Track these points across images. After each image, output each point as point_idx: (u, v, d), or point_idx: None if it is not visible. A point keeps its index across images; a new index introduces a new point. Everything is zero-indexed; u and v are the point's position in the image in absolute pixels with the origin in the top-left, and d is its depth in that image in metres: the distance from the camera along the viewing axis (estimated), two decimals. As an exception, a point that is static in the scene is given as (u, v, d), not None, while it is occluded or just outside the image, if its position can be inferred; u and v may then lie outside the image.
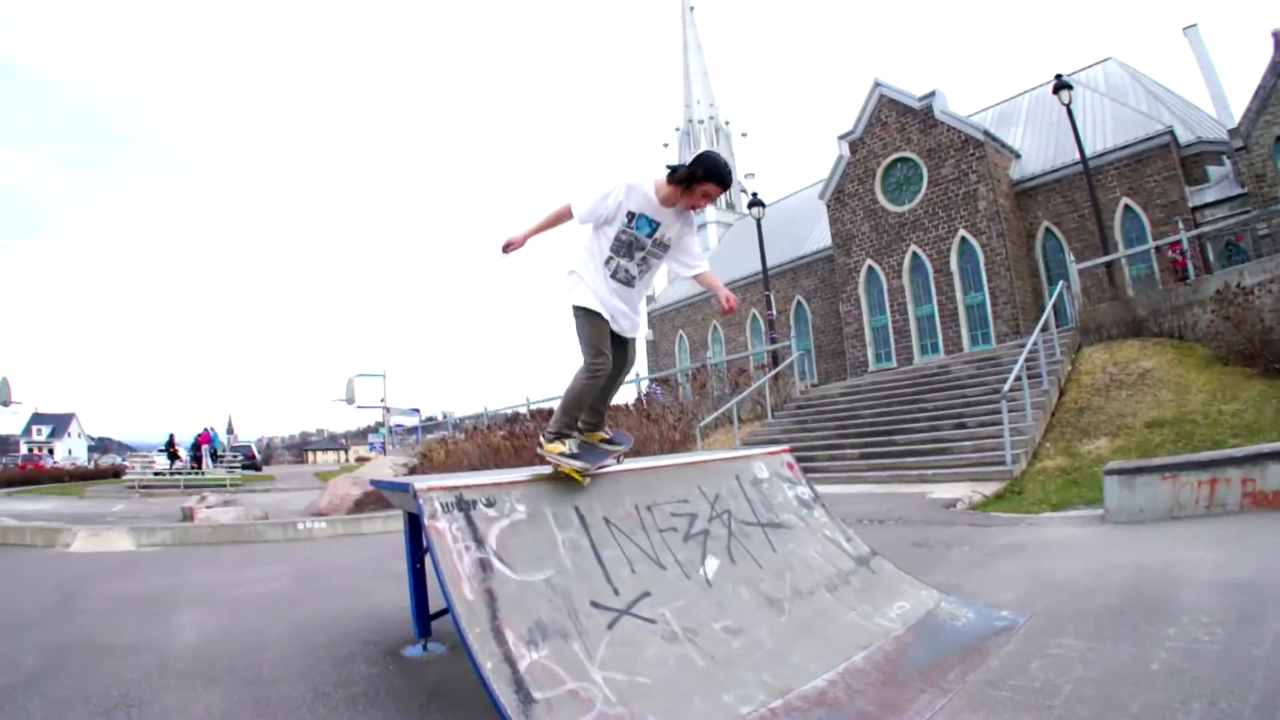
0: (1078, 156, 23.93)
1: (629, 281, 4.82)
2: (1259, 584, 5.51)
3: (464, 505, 4.16)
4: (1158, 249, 23.68)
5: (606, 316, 4.77)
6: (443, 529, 3.97)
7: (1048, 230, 31.34)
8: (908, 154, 34.48)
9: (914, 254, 34.12)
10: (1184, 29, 34.07)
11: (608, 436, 5.27)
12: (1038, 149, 33.33)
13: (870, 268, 35.86)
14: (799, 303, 41.73)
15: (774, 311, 29.15)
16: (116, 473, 44.53)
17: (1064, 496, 10.66)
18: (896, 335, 34.54)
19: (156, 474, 34.52)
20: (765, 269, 30.37)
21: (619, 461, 5.36)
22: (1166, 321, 16.90)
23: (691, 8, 66.63)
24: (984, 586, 6.33)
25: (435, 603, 4.99)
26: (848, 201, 36.74)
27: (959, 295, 32.38)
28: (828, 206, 37.91)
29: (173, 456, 36.91)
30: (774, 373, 22.15)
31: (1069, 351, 17.09)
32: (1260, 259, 18.54)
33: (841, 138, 37.23)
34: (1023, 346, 15.58)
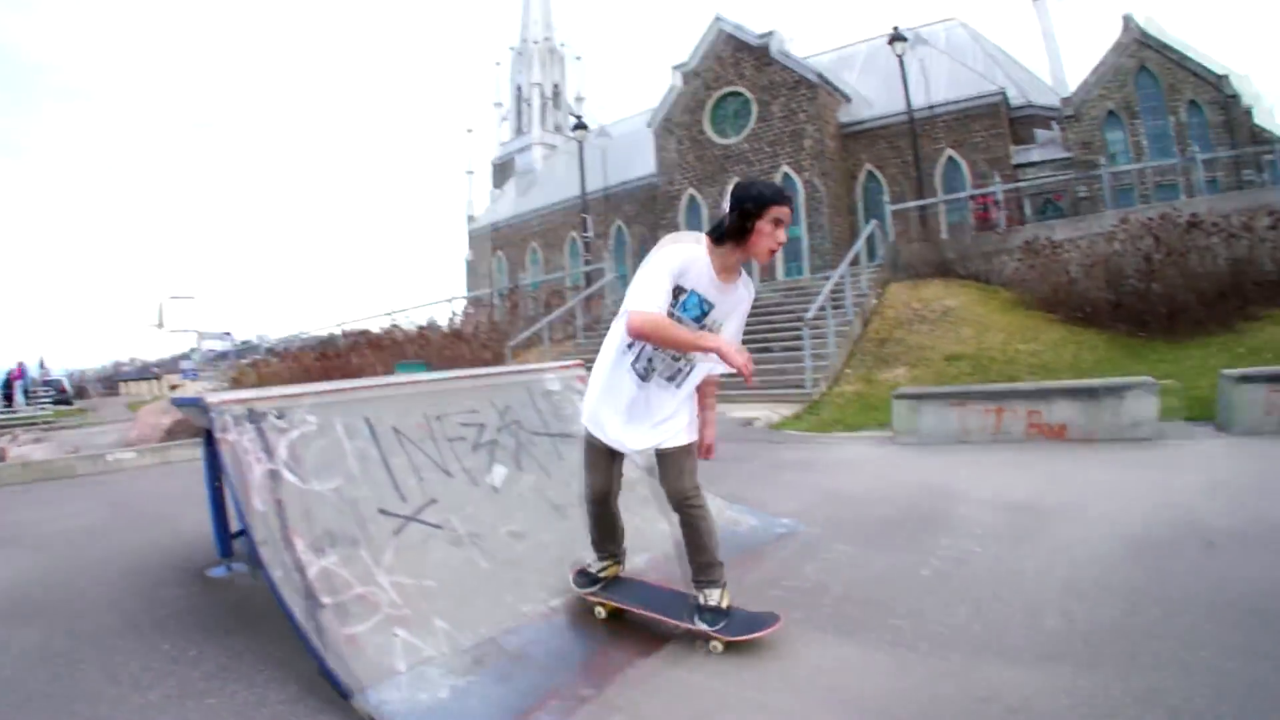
0: (906, 105, 24.36)
1: (646, 376, 3.62)
2: (1035, 505, 5.71)
3: (255, 417, 4.11)
4: (973, 198, 24.43)
5: (595, 431, 3.77)
6: (234, 441, 3.95)
7: (870, 173, 31.99)
8: (740, 89, 34.37)
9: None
10: (1033, 0, 35.22)
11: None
12: (870, 94, 33.90)
13: (692, 196, 35.80)
14: (620, 228, 41.46)
15: (590, 234, 28.77)
16: None
17: (859, 420, 10.94)
18: (712, 267, 34.74)
19: None
20: (584, 192, 29.89)
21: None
22: (974, 266, 17.52)
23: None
24: (771, 497, 6.48)
25: (237, 523, 4.87)
26: (675, 131, 36.51)
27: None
28: (655, 134, 37.60)
29: None
30: (586, 294, 21.89)
31: (876, 286, 17.60)
32: (1074, 218, 19.36)
33: (677, 68, 36.88)
34: (830, 279, 15.66)
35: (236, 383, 24.78)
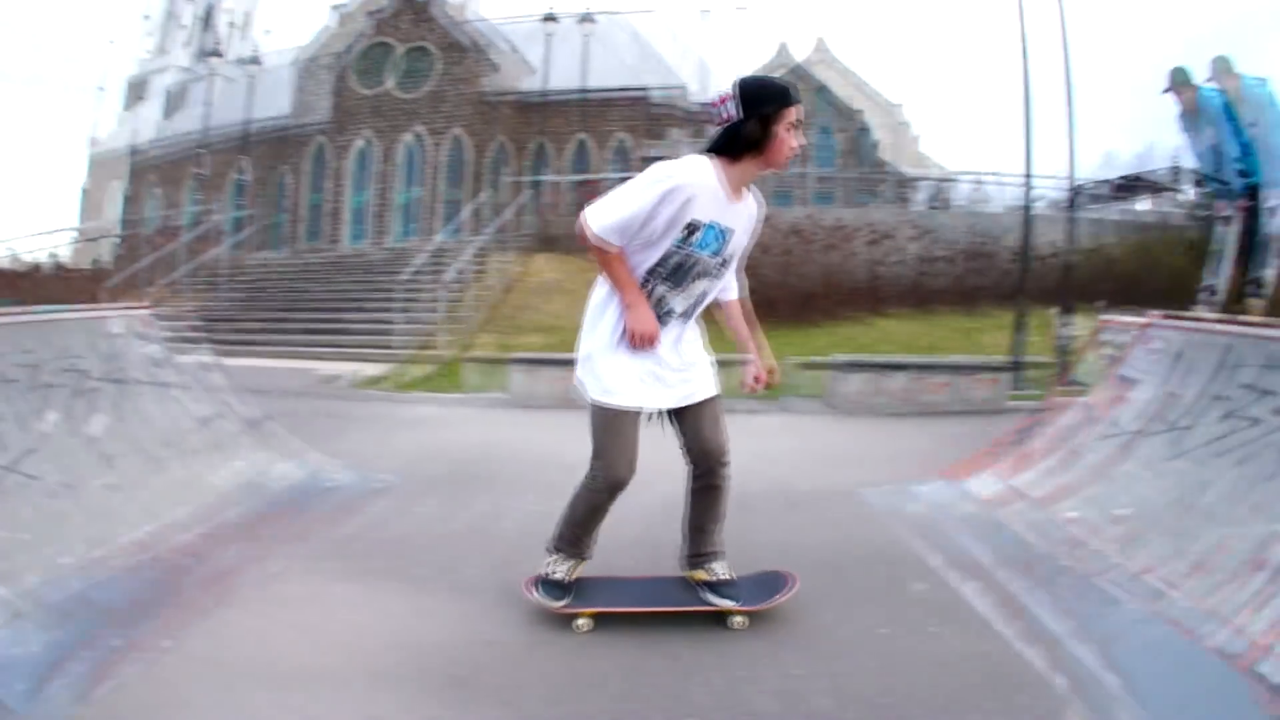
0: (563, 86, 24.80)
1: (664, 320, 3.08)
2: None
3: None
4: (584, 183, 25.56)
5: (616, 399, 3.09)
6: None
7: (542, 144, 32.17)
8: (395, 42, 33.45)
9: (405, 142, 33.44)
10: (701, 11, 37.01)
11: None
12: (553, 69, 33.84)
13: (321, 145, 34.42)
14: (240, 170, 39.01)
15: (207, 172, 27.02)
16: None
17: (485, 383, 10.88)
18: (375, 218, 33.74)
19: None
20: (208, 127, 27.84)
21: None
22: (577, 243, 18.13)
23: None
24: (377, 454, 6.47)
25: None
26: (321, 74, 34.97)
27: (442, 187, 32.29)
28: (298, 74, 35.76)
29: None
30: (195, 234, 20.71)
31: (525, 254, 17.92)
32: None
33: (335, 8, 35.41)
34: (462, 244, 15.91)
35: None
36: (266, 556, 4.03)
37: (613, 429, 3.11)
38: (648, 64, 33.47)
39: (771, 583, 3.35)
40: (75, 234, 27.77)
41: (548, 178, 24.01)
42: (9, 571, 3.34)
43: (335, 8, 35.10)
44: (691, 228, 2.88)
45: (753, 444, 6.75)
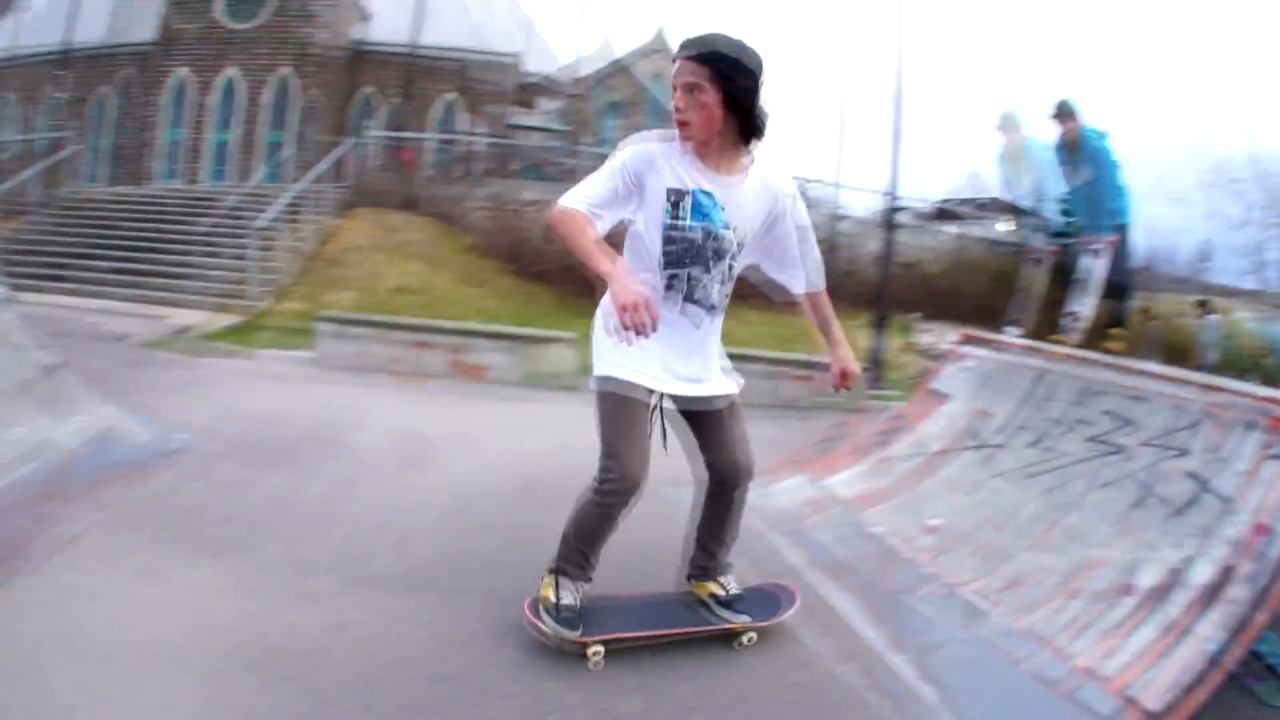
0: (424, 41, 24.23)
1: (699, 303, 2.86)
2: (437, 438, 6.01)
3: None
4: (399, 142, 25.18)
5: (645, 385, 2.83)
6: None
7: (369, 96, 31.30)
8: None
9: (229, 78, 31.85)
10: None
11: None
12: (389, 19, 32.96)
13: (183, 80, 32.62)
14: (104, 97, 36.51)
15: (65, 96, 25.18)
16: None
17: (295, 340, 10.73)
18: (190, 156, 32.00)
19: None
20: (70, 44, 25.70)
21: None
22: (442, 207, 17.91)
23: None
24: (177, 410, 6.24)
25: None
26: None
27: (263, 130, 30.99)
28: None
29: None
30: (44, 164, 19.34)
31: (342, 208, 17.39)
32: (548, 183, 20.40)
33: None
34: (297, 194, 15.20)
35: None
36: (63, 519, 3.85)
37: (624, 418, 2.79)
38: (520, 30, 33.17)
39: (771, 596, 3.23)
40: None
41: (408, 135, 23.32)
42: None
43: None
44: (676, 195, 2.70)
45: (558, 424, 6.82)
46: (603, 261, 2.45)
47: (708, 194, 2.69)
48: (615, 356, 2.75)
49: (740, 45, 2.59)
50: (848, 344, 3.04)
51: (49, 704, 2.39)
